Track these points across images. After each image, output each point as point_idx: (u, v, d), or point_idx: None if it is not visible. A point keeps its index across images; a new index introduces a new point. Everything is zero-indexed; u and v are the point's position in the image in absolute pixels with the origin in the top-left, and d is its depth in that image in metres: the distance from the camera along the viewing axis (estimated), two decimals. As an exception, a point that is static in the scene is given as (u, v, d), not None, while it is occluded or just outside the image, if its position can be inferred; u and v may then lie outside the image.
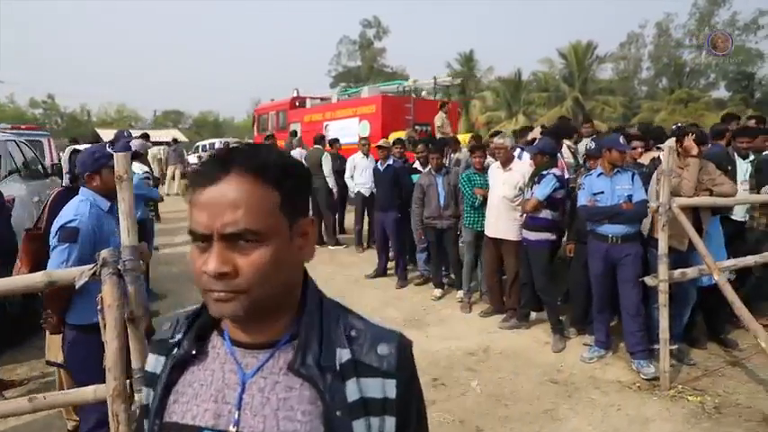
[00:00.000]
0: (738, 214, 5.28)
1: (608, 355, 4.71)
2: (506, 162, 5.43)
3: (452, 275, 6.53)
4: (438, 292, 6.49)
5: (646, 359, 4.32)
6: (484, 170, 5.81)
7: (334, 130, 13.90)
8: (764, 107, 34.14)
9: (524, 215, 5.10)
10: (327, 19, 78.16)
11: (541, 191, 4.89)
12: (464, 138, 9.45)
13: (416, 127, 12.53)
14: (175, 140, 18.70)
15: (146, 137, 9.04)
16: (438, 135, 11.16)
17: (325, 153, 8.98)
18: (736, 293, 3.99)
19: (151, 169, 7.25)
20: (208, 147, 25.20)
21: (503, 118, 34.58)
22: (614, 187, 4.44)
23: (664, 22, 40.72)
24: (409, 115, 13.07)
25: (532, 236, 5.06)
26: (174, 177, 18.07)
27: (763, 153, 5.28)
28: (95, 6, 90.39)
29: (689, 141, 4.25)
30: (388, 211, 6.98)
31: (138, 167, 5.85)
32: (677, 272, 4.05)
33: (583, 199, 4.54)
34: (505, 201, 5.32)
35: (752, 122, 7.06)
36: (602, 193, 4.44)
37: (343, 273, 7.62)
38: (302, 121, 15.49)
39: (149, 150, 12.39)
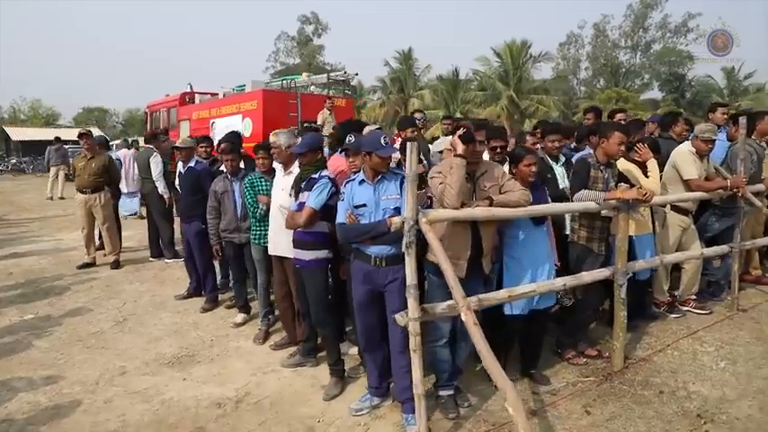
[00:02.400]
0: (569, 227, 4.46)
1: (385, 403, 3.77)
2: (287, 164, 4.43)
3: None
4: (241, 317, 5.46)
5: (413, 412, 3.39)
6: (271, 174, 4.80)
7: (220, 127, 12.76)
8: (695, 107, 34.76)
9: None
10: (267, 14, 75.78)
11: (315, 198, 3.90)
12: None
13: (305, 124, 11.52)
14: (58, 139, 17.03)
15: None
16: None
17: (155, 154, 7.84)
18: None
19: None
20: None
21: (441, 116, 33.93)
22: (379, 198, 3.49)
23: (601, 24, 41.12)
24: (295, 112, 12.00)
25: (305, 255, 4.08)
26: (57, 178, 16.49)
27: (578, 153, 4.46)
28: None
29: (455, 139, 3.34)
30: (190, 221, 5.90)
31: None
32: (426, 306, 3.13)
33: (341, 214, 3.58)
34: (282, 210, 4.32)
35: (621, 116, 6.29)
36: (365, 205, 3.48)
37: (155, 292, 6.51)
38: (191, 119, 14.24)
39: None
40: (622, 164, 4.55)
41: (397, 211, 3.48)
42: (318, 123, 11.04)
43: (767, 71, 51.85)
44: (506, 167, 3.82)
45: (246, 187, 4.81)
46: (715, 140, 4.75)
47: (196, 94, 14.59)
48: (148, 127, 16.48)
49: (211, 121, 13.34)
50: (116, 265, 7.67)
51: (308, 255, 4.07)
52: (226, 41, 78.26)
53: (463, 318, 2.96)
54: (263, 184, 4.78)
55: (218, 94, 13.91)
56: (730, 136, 5.48)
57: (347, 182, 3.70)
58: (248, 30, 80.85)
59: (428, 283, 3.67)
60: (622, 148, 3.99)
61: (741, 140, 4.90)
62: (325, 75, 13.22)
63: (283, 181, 4.42)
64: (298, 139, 4.52)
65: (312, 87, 13.28)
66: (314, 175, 4.01)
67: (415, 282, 3.08)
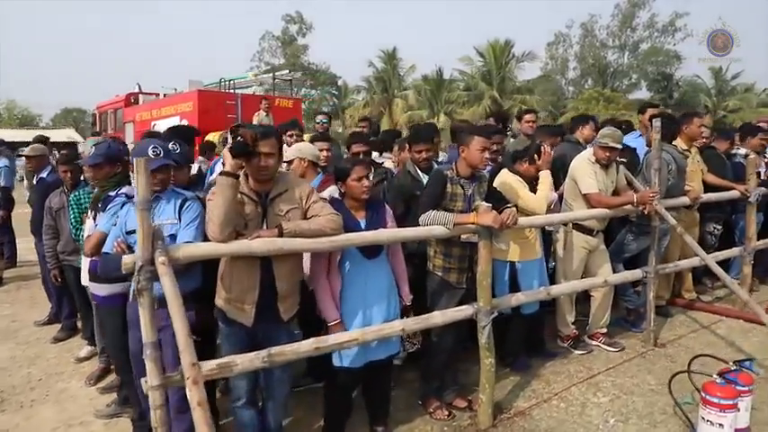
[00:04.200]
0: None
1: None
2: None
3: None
4: (85, 351, 4.71)
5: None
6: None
7: (161, 130, 12.07)
8: (683, 107, 34.05)
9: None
10: (253, 14, 74.56)
11: (106, 222, 3.14)
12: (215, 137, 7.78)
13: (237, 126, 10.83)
14: (2, 142, 16.18)
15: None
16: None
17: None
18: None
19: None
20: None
21: (425, 117, 33.31)
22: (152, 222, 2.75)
23: (588, 23, 40.46)
24: (233, 113, 11.27)
25: (98, 289, 3.36)
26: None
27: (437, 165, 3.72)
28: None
29: (225, 151, 2.60)
30: (41, 238, 5.15)
31: None
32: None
33: (109, 241, 2.84)
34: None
35: (530, 117, 5.55)
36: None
37: (18, 317, 5.82)
38: (135, 120, 13.52)
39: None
40: (504, 176, 3.81)
41: (174, 239, 2.75)
42: (254, 124, 10.39)
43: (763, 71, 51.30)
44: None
45: (71, 204, 4.05)
46: (616, 148, 3.99)
47: (140, 95, 13.85)
48: (98, 128, 15.79)
49: (152, 123, 12.64)
50: (-2, 282, 6.95)
51: (101, 289, 3.34)
52: (211, 41, 77.08)
53: (188, 393, 2.21)
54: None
55: (157, 94, 13.19)
56: (648, 141, 4.71)
57: (124, 203, 2.97)
58: (233, 29, 79.73)
59: (219, 333, 2.93)
60: (486, 155, 3.25)
61: (655, 147, 4.15)
62: (271, 75, 12.48)
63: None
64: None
65: (254, 88, 12.55)
66: (111, 193, 3.28)
67: (152, 340, 2.33)
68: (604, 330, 4.40)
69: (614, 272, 4.59)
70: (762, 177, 5.52)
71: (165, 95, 12.82)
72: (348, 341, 2.89)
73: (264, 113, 10.70)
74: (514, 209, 3.34)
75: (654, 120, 4.19)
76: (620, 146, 3.99)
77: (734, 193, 5.09)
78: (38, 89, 74.84)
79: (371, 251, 3.00)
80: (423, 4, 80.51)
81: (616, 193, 4.21)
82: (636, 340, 4.54)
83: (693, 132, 4.94)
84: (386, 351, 3.16)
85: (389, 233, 2.96)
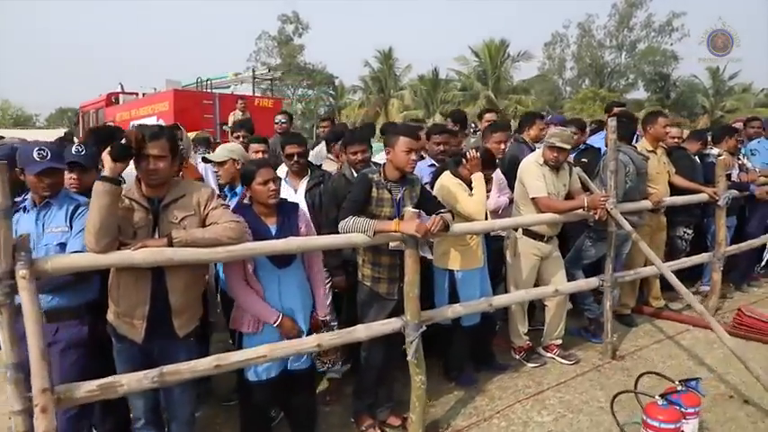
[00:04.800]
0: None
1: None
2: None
3: None
4: None
5: None
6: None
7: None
8: (680, 107, 33.80)
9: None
10: (249, 13, 74.06)
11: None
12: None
13: (224, 127, 10.65)
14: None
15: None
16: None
17: None
18: None
19: None
20: None
21: (421, 117, 33.13)
22: (43, 230, 2.55)
23: (586, 23, 40.18)
24: (211, 113, 11.07)
25: None
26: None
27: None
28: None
29: (104, 155, 2.36)
30: None
31: None
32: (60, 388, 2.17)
33: None
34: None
35: (489, 116, 5.32)
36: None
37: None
38: (115, 120, 13.30)
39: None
40: (443, 179, 3.58)
41: (62, 248, 2.53)
42: (229, 125, 10.20)
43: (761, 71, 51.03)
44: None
45: None
46: (565, 149, 3.75)
47: (120, 95, 13.65)
48: (80, 129, 15.58)
49: (131, 123, 12.44)
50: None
51: None
52: (207, 41, 76.57)
53: (35, 421, 2.00)
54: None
55: (136, 93, 12.99)
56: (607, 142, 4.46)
57: (17, 209, 2.74)
58: (230, 29, 79.30)
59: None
60: (412, 156, 3.02)
61: (611, 148, 3.91)
62: (250, 74, 12.28)
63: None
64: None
65: (232, 88, 12.35)
66: (17, 199, 3.05)
67: (14, 360, 2.11)
68: (559, 342, 4.16)
69: (573, 279, 4.37)
70: (733, 179, 5.27)
71: (143, 95, 12.62)
72: (254, 358, 2.67)
73: (240, 113, 10.55)
74: (449, 215, 3.12)
75: (610, 119, 3.96)
76: (568, 146, 3.76)
77: (702, 196, 4.86)
78: (35, 89, 74.60)
79: (282, 259, 2.79)
80: (420, 3, 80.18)
81: (570, 196, 3.97)
82: (594, 352, 4.30)
83: (658, 133, 4.69)
84: (305, 361, 2.95)
85: (300, 242, 2.73)
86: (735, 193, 5.04)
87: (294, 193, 3.60)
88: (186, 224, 2.49)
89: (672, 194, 4.83)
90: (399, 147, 3.01)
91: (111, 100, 13.88)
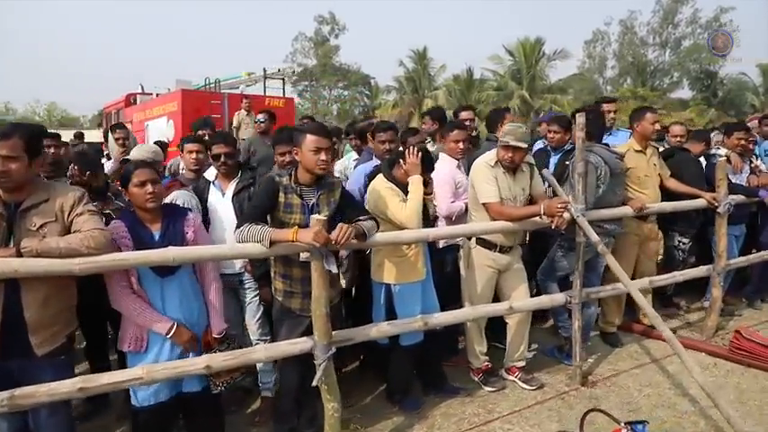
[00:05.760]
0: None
1: None
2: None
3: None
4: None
5: None
6: None
7: (153, 130, 12.06)
8: (726, 106, 32.02)
9: None
10: (286, 15, 74.29)
11: None
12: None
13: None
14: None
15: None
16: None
17: None
18: None
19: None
20: None
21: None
22: None
23: (628, 20, 38.83)
24: (219, 113, 11.00)
25: None
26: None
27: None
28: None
29: None
30: None
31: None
32: None
33: None
34: None
35: (465, 114, 4.89)
36: None
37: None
38: (132, 121, 13.45)
39: None
40: (374, 183, 3.23)
41: None
42: (234, 125, 10.09)
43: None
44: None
45: None
46: (521, 148, 3.32)
47: (138, 96, 13.79)
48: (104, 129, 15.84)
49: (146, 123, 12.58)
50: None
51: None
52: (244, 43, 77.45)
53: None
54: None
55: (152, 94, 13.08)
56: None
57: None
58: (267, 30, 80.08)
59: None
60: (322, 157, 2.69)
61: (579, 148, 3.47)
62: (261, 74, 12.14)
63: None
64: None
65: (241, 88, 12.25)
66: None
67: None
68: (521, 364, 3.73)
69: (547, 293, 3.95)
70: (741, 182, 4.70)
71: (157, 95, 12.69)
72: (128, 381, 2.40)
73: (245, 112, 10.41)
74: (368, 223, 2.78)
75: (577, 115, 3.52)
76: (524, 144, 3.33)
77: (700, 202, 4.33)
78: (80, 91, 77.34)
79: (164, 268, 2.50)
80: (458, 2, 79.14)
81: (534, 202, 3.55)
82: (564, 376, 3.85)
83: (646, 130, 4.19)
84: (198, 382, 2.67)
85: (178, 252, 2.44)
86: (740, 198, 4.48)
87: (222, 196, 3.32)
88: (46, 231, 2.25)
89: (671, 199, 4.33)
90: (306, 146, 2.69)
91: (130, 101, 14.04)
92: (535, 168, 3.60)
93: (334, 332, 2.79)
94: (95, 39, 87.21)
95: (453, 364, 3.95)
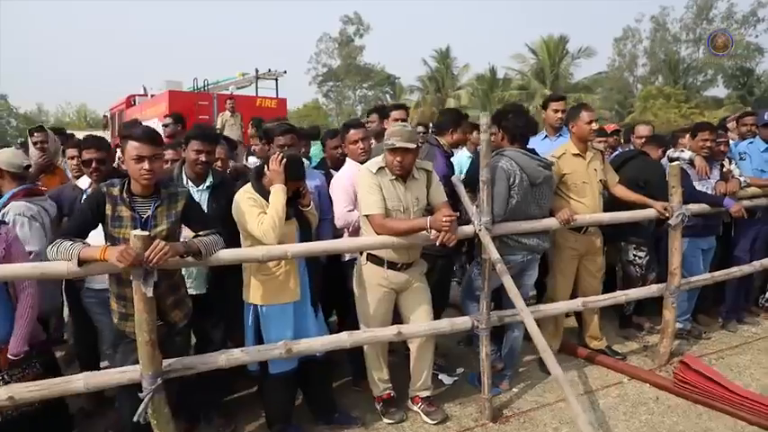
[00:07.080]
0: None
1: None
2: None
3: None
4: None
5: None
6: None
7: (147, 130, 11.99)
8: (764, 104, 30.46)
9: None
10: (311, 16, 74.38)
11: None
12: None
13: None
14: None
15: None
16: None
17: None
18: None
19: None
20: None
21: (477, 117, 32.09)
22: None
23: (660, 16, 37.55)
24: (206, 114, 10.89)
25: None
26: None
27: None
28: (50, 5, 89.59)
29: None
30: None
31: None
32: None
33: None
34: None
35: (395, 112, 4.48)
36: None
37: None
38: (131, 122, 13.51)
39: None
40: (238, 194, 2.89)
41: None
42: (217, 126, 9.91)
43: None
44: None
45: None
46: (410, 149, 2.92)
47: (137, 97, 13.84)
48: (110, 130, 16.00)
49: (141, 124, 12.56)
50: None
51: None
52: (269, 44, 77.75)
53: None
54: None
55: (146, 95, 13.08)
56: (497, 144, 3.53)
57: None
58: (292, 31, 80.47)
59: None
60: (145, 166, 2.39)
61: (483, 152, 3.06)
62: (254, 74, 11.97)
63: None
64: None
65: (231, 89, 12.09)
66: None
67: None
68: (425, 393, 3.33)
69: (466, 313, 3.56)
70: (707, 190, 4.18)
71: (151, 96, 12.68)
72: None
73: (229, 113, 10.26)
74: (209, 238, 2.47)
75: (481, 114, 3.11)
76: (412, 145, 2.94)
77: (650, 213, 3.84)
78: (108, 93, 79.64)
79: None
80: (482, 1, 77.94)
81: (431, 212, 3.16)
82: (476, 408, 3.44)
83: (582, 131, 3.74)
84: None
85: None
86: (700, 208, 3.97)
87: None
88: None
89: (620, 209, 3.87)
90: (128, 153, 2.40)
91: (131, 102, 14.10)
92: (434, 175, 3.20)
93: (167, 360, 2.49)
94: (130, 39, 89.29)
95: (363, 390, 3.59)
